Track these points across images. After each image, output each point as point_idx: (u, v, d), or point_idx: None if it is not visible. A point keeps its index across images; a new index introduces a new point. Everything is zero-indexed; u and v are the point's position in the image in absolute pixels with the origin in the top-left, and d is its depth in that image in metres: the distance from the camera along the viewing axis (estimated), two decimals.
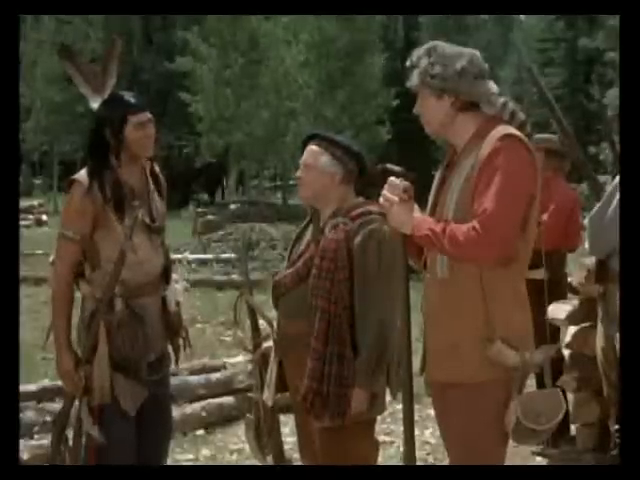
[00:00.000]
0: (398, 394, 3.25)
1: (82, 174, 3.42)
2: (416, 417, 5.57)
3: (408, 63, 2.78)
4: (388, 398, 3.43)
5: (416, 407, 5.97)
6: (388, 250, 3.22)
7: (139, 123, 3.40)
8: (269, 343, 3.61)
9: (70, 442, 3.45)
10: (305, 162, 3.44)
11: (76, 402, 3.45)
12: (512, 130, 2.68)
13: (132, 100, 3.44)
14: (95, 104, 3.58)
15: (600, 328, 4.20)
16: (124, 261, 3.33)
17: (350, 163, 3.41)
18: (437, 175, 2.88)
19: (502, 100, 2.75)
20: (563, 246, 5.26)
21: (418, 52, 2.77)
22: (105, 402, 3.32)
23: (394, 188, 2.76)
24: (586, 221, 4.06)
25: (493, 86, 2.75)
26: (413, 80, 2.77)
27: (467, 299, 2.68)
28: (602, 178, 4.70)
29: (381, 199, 2.79)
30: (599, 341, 4.22)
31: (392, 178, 2.80)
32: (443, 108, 2.74)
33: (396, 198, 2.74)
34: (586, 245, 4.20)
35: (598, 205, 3.96)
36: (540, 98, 3.93)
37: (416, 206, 2.76)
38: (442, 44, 2.78)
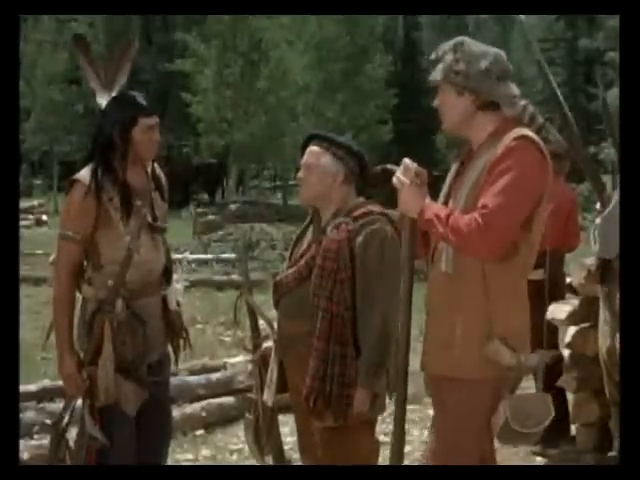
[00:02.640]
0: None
1: (83, 174, 3.39)
2: (416, 417, 5.61)
3: (433, 56, 2.79)
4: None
5: (416, 407, 5.98)
6: (390, 250, 3.23)
7: (148, 126, 3.38)
8: (269, 343, 3.61)
9: (71, 443, 3.45)
10: (306, 163, 3.43)
11: (78, 403, 3.45)
12: (528, 132, 2.70)
13: (143, 102, 3.42)
14: (102, 100, 3.56)
15: (604, 328, 4.18)
16: (130, 261, 3.32)
17: (351, 163, 3.41)
18: (451, 170, 2.90)
19: (523, 103, 2.76)
20: (561, 246, 5.26)
21: (444, 47, 2.78)
22: (109, 403, 3.32)
23: (407, 171, 2.77)
24: (597, 220, 4.03)
25: (515, 88, 2.76)
26: (436, 74, 2.78)
27: (468, 295, 2.69)
28: (602, 178, 4.68)
29: (394, 179, 2.80)
30: (603, 341, 4.21)
31: (406, 160, 2.81)
32: (463, 105, 2.75)
33: (407, 180, 2.75)
34: (593, 247, 4.15)
35: (610, 205, 3.92)
36: (550, 94, 3.91)
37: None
38: (469, 41, 2.78)
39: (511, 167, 2.62)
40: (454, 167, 2.89)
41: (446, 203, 2.82)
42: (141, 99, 3.43)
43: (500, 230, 2.59)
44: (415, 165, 2.79)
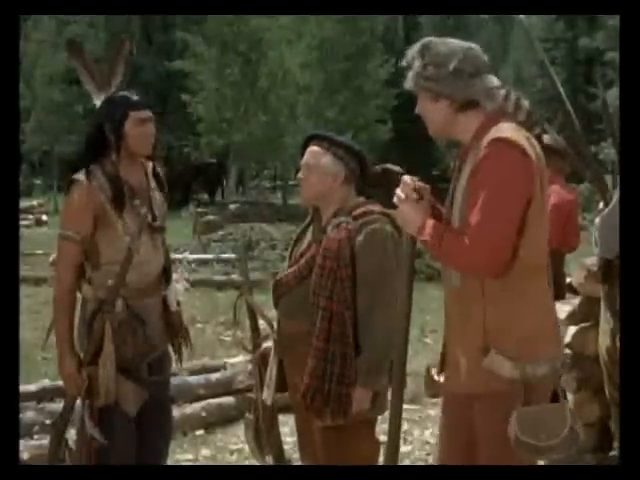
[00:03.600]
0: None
1: (82, 173, 3.41)
2: (416, 417, 5.61)
3: (404, 63, 2.69)
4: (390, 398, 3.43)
5: (416, 407, 5.96)
6: (390, 249, 3.23)
7: (140, 120, 3.39)
8: (269, 343, 3.61)
9: (71, 443, 3.45)
10: (307, 163, 3.43)
11: (78, 403, 3.45)
12: (503, 132, 2.57)
13: (134, 97, 3.44)
14: (99, 102, 3.58)
15: (605, 327, 4.17)
16: (131, 261, 3.32)
17: (351, 162, 3.41)
18: (453, 175, 2.79)
19: (504, 92, 2.64)
20: (562, 246, 5.26)
21: (412, 51, 2.67)
22: (109, 403, 3.32)
23: (406, 186, 2.71)
24: (597, 220, 4.01)
25: (493, 80, 2.64)
26: (408, 83, 2.68)
27: (472, 308, 2.62)
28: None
29: (395, 197, 2.75)
30: (603, 341, 4.20)
31: (406, 176, 2.75)
32: (441, 110, 2.66)
33: (404, 196, 2.70)
34: (594, 248, 4.13)
35: (611, 204, 3.91)
36: (554, 93, 3.89)
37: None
38: (436, 41, 2.66)
39: (488, 177, 2.52)
40: (454, 172, 2.78)
41: (450, 211, 2.73)
42: (132, 95, 3.46)
43: (491, 246, 2.51)
44: (415, 181, 2.72)
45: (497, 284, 2.59)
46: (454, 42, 2.67)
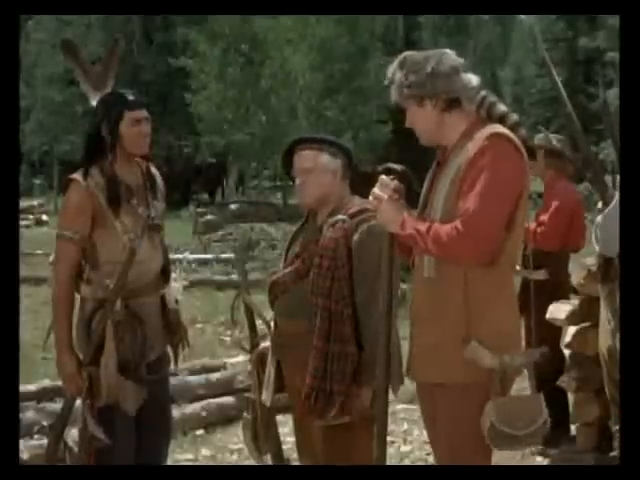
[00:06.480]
0: (398, 391, 3.27)
1: (79, 173, 3.42)
2: (416, 417, 5.60)
3: (386, 81, 2.82)
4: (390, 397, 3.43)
5: (416, 407, 5.95)
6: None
7: (135, 120, 3.40)
8: (266, 343, 3.61)
9: (70, 443, 3.45)
10: (303, 167, 3.41)
11: (78, 404, 3.45)
12: (500, 129, 2.69)
13: (130, 97, 3.45)
14: (95, 102, 3.59)
15: (605, 327, 4.18)
16: (133, 260, 3.32)
17: (344, 158, 3.44)
18: (428, 174, 2.89)
19: (482, 94, 2.76)
20: (567, 247, 5.26)
21: (392, 68, 2.81)
22: (109, 403, 3.32)
23: (385, 186, 2.79)
24: (598, 219, 4.02)
25: (471, 79, 2.76)
26: (394, 96, 2.81)
27: (450, 299, 2.68)
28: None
29: (370, 197, 2.82)
30: (604, 341, 4.20)
31: (383, 176, 2.83)
32: (428, 113, 2.77)
33: (385, 196, 2.76)
34: (595, 245, 4.13)
35: (612, 203, 3.91)
36: (556, 93, 3.90)
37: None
38: (412, 53, 2.81)
39: (487, 168, 2.61)
40: (430, 170, 2.89)
41: (424, 207, 2.82)
42: (127, 94, 3.47)
43: (483, 234, 2.58)
44: (392, 180, 2.80)
45: (480, 275, 2.65)
46: (428, 51, 2.83)
